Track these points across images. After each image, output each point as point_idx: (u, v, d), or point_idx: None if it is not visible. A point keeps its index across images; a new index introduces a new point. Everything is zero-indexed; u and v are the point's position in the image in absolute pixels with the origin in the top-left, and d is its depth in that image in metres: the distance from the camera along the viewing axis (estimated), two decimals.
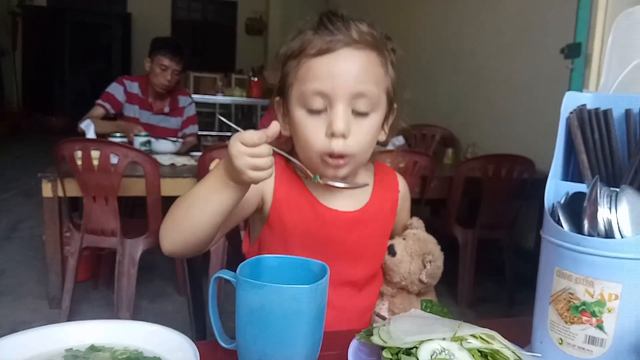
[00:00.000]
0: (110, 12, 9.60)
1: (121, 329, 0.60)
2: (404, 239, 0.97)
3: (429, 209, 3.17)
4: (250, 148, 0.67)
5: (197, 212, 0.73)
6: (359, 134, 0.81)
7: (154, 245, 2.27)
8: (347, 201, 0.91)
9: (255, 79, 6.07)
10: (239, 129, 0.71)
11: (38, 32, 9.10)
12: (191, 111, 3.08)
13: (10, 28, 8.80)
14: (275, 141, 0.70)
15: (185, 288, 2.56)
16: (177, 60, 2.81)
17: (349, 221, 0.91)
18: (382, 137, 0.90)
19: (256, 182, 0.70)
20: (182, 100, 3.04)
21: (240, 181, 0.71)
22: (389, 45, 0.86)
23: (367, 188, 0.95)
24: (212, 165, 2.29)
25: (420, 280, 0.93)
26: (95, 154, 2.03)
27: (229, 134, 5.91)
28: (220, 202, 0.73)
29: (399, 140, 2.76)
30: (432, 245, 0.97)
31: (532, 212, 3.00)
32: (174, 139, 2.77)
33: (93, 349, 0.57)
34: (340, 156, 0.81)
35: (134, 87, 2.89)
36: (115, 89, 2.87)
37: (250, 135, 0.67)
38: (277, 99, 0.89)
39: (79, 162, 2.06)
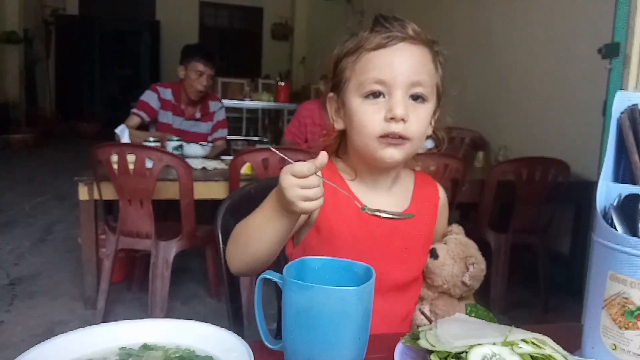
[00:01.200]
0: (139, 19, 9.81)
1: (173, 328, 0.60)
2: (445, 243, 0.97)
3: (459, 213, 3.13)
4: (301, 180, 0.70)
5: (255, 241, 0.79)
6: (416, 119, 0.85)
7: (186, 248, 2.30)
8: (389, 207, 0.92)
9: (283, 84, 6.11)
10: (290, 160, 0.73)
11: (70, 40, 9.37)
12: (221, 116, 3.12)
13: (44, 37, 9.06)
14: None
15: (219, 290, 2.60)
16: (210, 65, 2.88)
17: (391, 228, 0.93)
18: (429, 131, 0.92)
19: (307, 212, 0.74)
20: (213, 105, 3.09)
21: (291, 211, 0.74)
22: (436, 47, 0.91)
23: (407, 193, 0.97)
24: (243, 170, 2.31)
25: (463, 283, 0.93)
26: (131, 158, 2.08)
27: (256, 138, 5.96)
28: (275, 231, 0.77)
29: (429, 144, 2.73)
30: (473, 249, 0.97)
31: (567, 216, 2.94)
32: (204, 143, 2.81)
33: (146, 347, 0.58)
34: (400, 136, 0.84)
35: (167, 94, 2.94)
36: (149, 97, 2.91)
37: (300, 167, 0.69)
38: (330, 94, 0.92)
39: (115, 166, 2.10)
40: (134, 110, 2.89)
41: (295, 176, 0.69)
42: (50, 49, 9.26)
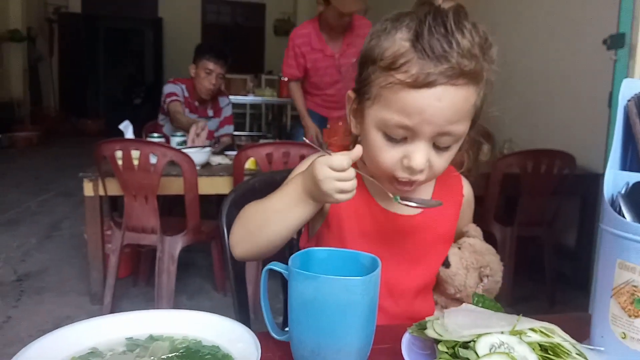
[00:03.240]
0: (142, 17, 9.81)
1: (180, 319, 0.60)
2: (459, 247, 0.92)
3: None
4: (338, 173, 0.70)
5: (273, 226, 0.77)
6: (435, 166, 0.77)
7: (192, 242, 2.30)
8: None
9: (286, 79, 6.10)
10: (327, 152, 0.73)
11: (73, 38, 9.39)
12: (228, 112, 3.13)
13: (47, 35, 9.09)
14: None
15: (225, 285, 2.61)
16: (221, 64, 2.88)
17: (407, 225, 0.88)
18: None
19: (340, 202, 0.73)
20: (221, 101, 3.11)
21: (322, 201, 0.74)
22: (490, 55, 0.78)
23: (428, 191, 0.92)
24: (247, 164, 2.31)
25: (472, 295, 0.90)
26: (135, 153, 2.08)
27: (259, 133, 5.96)
28: (298, 217, 0.77)
29: None
30: (489, 256, 0.91)
31: (572, 208, 2.93)
32: (208, 146, 2.68)
33: (152, 338, 0.58)
34: (413, 182, 0.79)
35: (184, 89, 2.95)
36: (173, 88, 2.89)
37: (340, 160, 0.70)
38: (350, 93, 0.84)
39: (120, 162, 2.11)
40: (170, 99, 2.82)
41: (333, 169, 0.70)
42: (53, 47, 9.28)
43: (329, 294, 0.62)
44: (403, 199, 0.78)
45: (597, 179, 2.79)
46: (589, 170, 2.81)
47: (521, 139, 3.13)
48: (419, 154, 0.74)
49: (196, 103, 2.98)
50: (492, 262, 0.92)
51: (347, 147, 0.87)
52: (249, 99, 6.15)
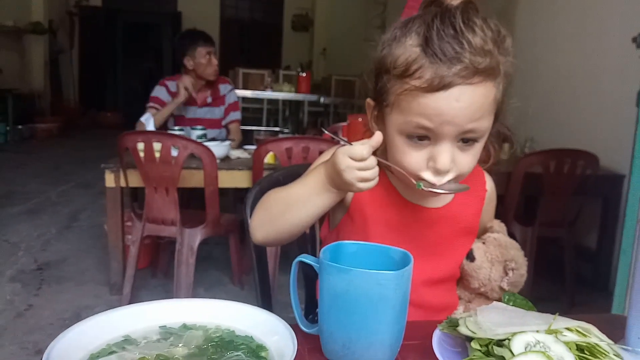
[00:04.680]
0: (161, 11, 9.88)
1: (213, 308, 0.60)
2: (483, 242, 0.92)
3: None
4: (359, 162, 0.70)
5: (296, 213, 0.79)
6: (461, 164, 0.76)
7: (211, 235, 2.31)
8: (431, 197, 0.87)
9: (304, 74, 6.10)
10: (347, 142, 0.73)
11: (93, 32, 9.50)
12: (232, 98, 3.09)
13: (68, 28, 9.19)
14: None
15: (242, 278, 2.62)
16: (210, 43, 2.93)
17: (430, 217, 0.88)
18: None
19: (363, 191, 0.74)
20: (223, 88, 3.06)
21: (345, 190, 0.75)
22: (505, 47, 0.75)
23: None
24: (267, 159, 2.31)
25: (501, 288, 0.89)
26: (157, 146, 2.09)
27: (277, 129, 5.97)
28: (320, 204, 0.78)
29: None
30: (514, 251, 0.91)
31: (594, 209, 2.88)
32: (225, 141, 2.65)
33: (186, 327, 0.58)
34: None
35: (174, 87, 2.91)
36: (159, 92, 2.90)
37: (360, 150, 0.70)
38: (369, 100, 0.83)
39: (142, 154, 2.12)
40: (149, 104, 2.87)
41: (353, 159, 0.70)
42: (73, 40, 9.39)
43: (361, 287, 0.62)
44: (426, 186, 0.77)
45: (620, 180, 2.74)
46: (612, 170, 2.76)
47: (543, 138, 3.09)
48: (444, 155, 0.74)
49: (194, 94, 2.93)
50: (517, 256, 0.92)
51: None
52: (267, 94, 6.15)
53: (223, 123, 3.06)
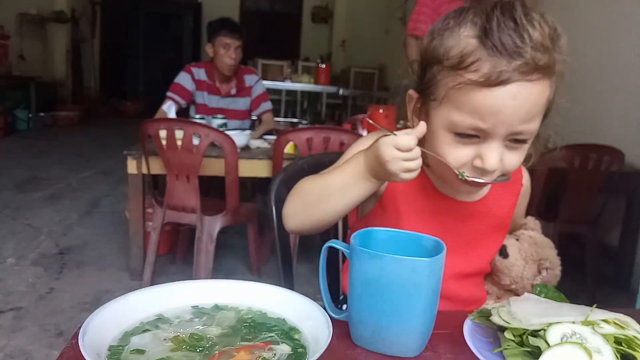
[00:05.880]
0: (182, 1, 9.92)
1: (245, 290, 0.60)
2: (517, 239, 0.91)
3: None
4: (405, 153, 0.69)
5: (332, 202, 0.77)
6: (507, 164, 0.74)
7: (230, 223, 2.32)
8: (466, 191, 0.85)
9: (323, 66, 6.08)
10: (392, 133, 0.71)
11: (115, 21, 9.57)
12: (260, 89, 3.06)
13: (90, 17, 9.28)
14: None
15: (260, 267, 2.63)
16: (237, 37, 2.81)
17: (465, 211, 0.87)
18: None
19: (405, 181, 0.72)
20: (249, 80, 3.03)
21: (385, 180, 0.74)
22: (560, 45, 0.72)
23: None
24: (286, 149, 2.31)
25: (534, 285, 0.88)
26: (179, 133, 2.10)
27: (295, 120, 5.96)
28: (358, 194, 0.76)
29: None
30: (549, 250, 0.90)
31: (618, 206, 2.83)
32: (246, 131, 2.69)
33: (218, 307, 0.58)
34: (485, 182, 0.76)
35: (201, 74, 2.91)
36: (183, 79, 2.88)
37: (407, 140, 0.69)
38: (411, 92, 0.81)
39: (164, 142, 2.13)
40: (169, 94, 2.84)
41: (400, 150, 0.69)
42: (95, 29, 9.48)
43: (394, 274, 0.61)
44: (470, 175, 0.75)
45: None
46: (637, 167, 2.71)
47: (567, 132, 3.03)
48: (493, 155, 0.72)
49: (217, 83, 2.92)
50: (552, 255, 0.90)
51: None
52: (286, 85, 6.15)
53: (254, 114, 3.05)
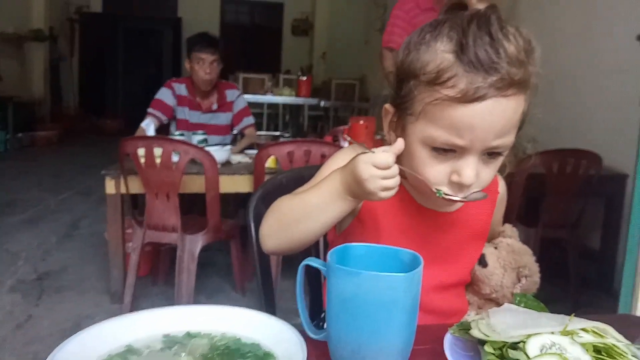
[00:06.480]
0: (161, 17, 9.89)
1: (217, 315, 0.58)
2: (495, 247, 0.90)
3: None
4: (383, 171, 0.68)
5: (309, 222, 0.76)
6: (483, 177, 0.75)
7: (212, 241, 2.29)
8: (446, 204, 0.85)
9: (304, 78, 6.09)
10: (370, 150, 0.70)
11: (94, 38, 9.49)
12: (241, 103, 3.05)
13: (69, 34, 9.20)
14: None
15: (244, 285, 2.60)
16: (211, 51, 2.79)
17: (444, 221, 0.86)
18: None
19: (384, 199, 0.71)
20: (230, 94, 3.01)
21: (363, 199, 0.72)
22: (534, 58, 0.71)
23: None
24: (268, 163, 2.29)
25: (513, 294, 0.88)
26: (157, 151, 2.07)
27: (277, 133, 5.95)
28: (335, 213, 0.75)
29: None
30: (527, 257, 0.90)
31: (598, 209, 2.86)
32: (226, 146, 2.65)
33: (190, 335, 0.56)
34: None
35: (182, 89, 2.89)
36: (164, 94, 2.86)
37: (384, 158, 0.67)
38: (387, 106, 0.80)
39: (142, 160, 2.10)
40: (150, 110, 2.82)
41: (377, 167, 0.67)
42: (74, 47, 9.40)
43: (371, 291, 0.60)
44: (446, 193, 0.75)
45: (623, 179, 2.72)
46: (615, 170, 2.75)
47: (545, 138, 3.07)
48: (469, 169, 0.72)
49: (197, 99, 2.91)
50: (530, 262, 0.90)
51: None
52: (267, 98, 6.15)
53: (237, 129, 3.03)
